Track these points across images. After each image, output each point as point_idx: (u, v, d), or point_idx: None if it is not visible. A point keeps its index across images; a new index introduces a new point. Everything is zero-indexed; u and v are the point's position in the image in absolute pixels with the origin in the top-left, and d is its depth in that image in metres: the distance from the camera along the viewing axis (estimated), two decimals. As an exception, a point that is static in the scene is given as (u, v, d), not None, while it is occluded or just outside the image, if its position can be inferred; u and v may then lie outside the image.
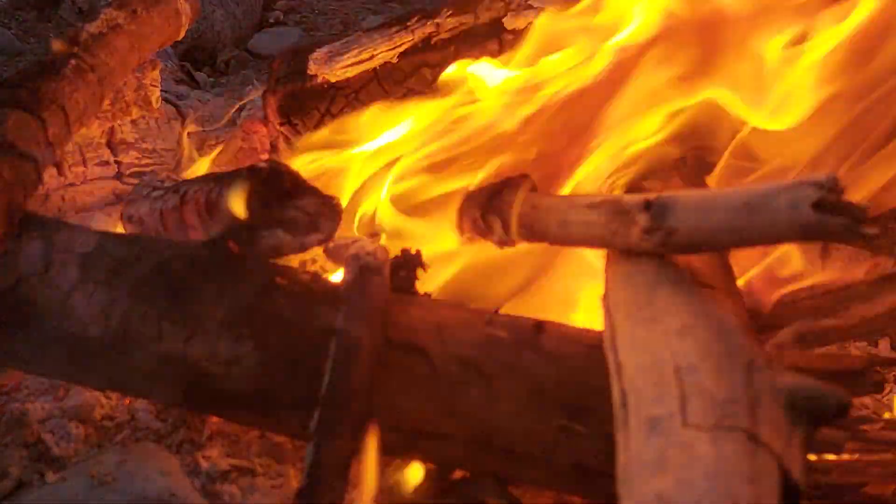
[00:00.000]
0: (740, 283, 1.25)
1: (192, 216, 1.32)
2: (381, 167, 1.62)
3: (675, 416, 0.76)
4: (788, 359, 1.05)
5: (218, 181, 1.28)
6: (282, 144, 1.94)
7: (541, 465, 1.10)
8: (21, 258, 1.12)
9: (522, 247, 1.28)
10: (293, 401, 1.10)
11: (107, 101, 1.68)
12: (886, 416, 1.38)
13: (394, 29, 1.94)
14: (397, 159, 1.60)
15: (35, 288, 1.11)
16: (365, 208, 1.60)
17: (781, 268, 1.25)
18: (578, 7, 1.65)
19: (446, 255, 1.46)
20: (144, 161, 2.07)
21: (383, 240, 1.54)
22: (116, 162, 2.05)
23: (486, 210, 1.31)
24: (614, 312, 1.00)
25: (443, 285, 1.45)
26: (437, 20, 1.90)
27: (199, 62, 3.02)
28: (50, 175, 1.87)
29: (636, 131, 1.48)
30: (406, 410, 1.10)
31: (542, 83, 1.57)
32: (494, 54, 1.84)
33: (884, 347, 1.68)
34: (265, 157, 1.97)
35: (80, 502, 1.19)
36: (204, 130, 2.15)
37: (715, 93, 1.40)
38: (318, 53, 1.95)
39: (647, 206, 0.95)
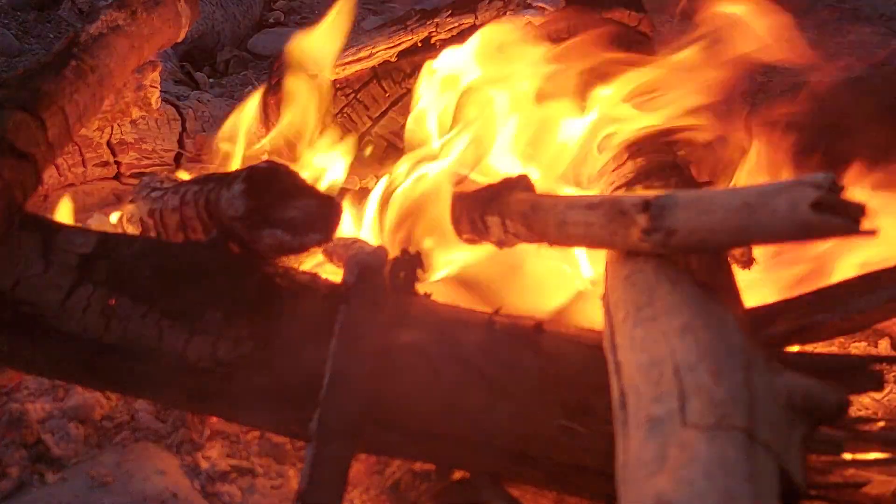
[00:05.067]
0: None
1: (191, 217, 1.32)
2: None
3: (675, 415, 0.76)
4: (787, 358, 1.05)
5: (218, 182, 1.28)
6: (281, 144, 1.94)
7: (541, 465, 1.10)
8: (21, 259, 1.12)
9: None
10: (293, 401, 1.10)
11: (107, 102, 1.68)
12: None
13: (393, 28, 1.95)
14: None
15: (35, 288, 1.11)
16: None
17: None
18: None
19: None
20: (144, 161, 2.08)
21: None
22: (116, 162, 2.06)
23: (485, 210, 1.31)
24: (614, 312, 1.00)
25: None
26: (436, 20, 1.91)
27: (199, 63, 3.02)
28: (50, 175, 1.87)
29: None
30: (406, 411, 1.10)
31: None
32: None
33: (884, 347, 1.68)
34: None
35: (80, 503, 1.19)
36: (204, 131, 2.15)
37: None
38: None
39: (646, 206, 0.95)
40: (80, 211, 1.95)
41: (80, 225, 1.49)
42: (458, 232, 1.42)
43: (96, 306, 1.10)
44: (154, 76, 1.91)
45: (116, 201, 2.01)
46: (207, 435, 1.34)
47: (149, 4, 1.71)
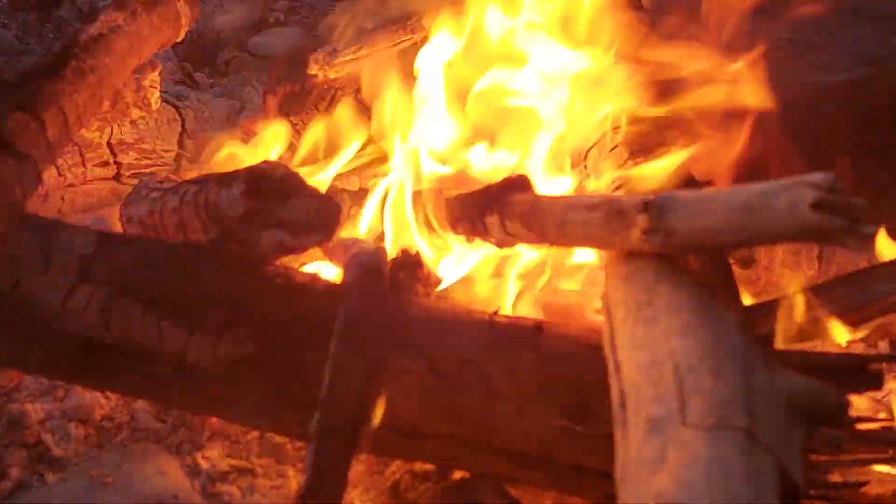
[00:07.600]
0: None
1: (191, 217, 1.32)
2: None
3: (675, 415, 0.76)
4: (787, 358, 1.05)
5: (217, 182, 1.28)
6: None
7: (541, 466, 1.10)
8: (21, 259, 1.12)
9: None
10: (293, 401, 1.10)
11: (106, 102, 1.68)
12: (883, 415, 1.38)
13: (393, 28, 1.95)
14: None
15: (35, 288, 1.11)
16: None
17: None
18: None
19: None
20: (144, 162, 2.07)
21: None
22: (116, 162, 2.05)
23: (484, 211, 1.31)
24: (614, 312, 1.00)
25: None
26: (436, 20, 1.90)
27: (199, 63, 3.02)
28: (50, 175, 1.87)
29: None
30: (406, 411, 1.10)
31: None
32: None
33: (883, 347, 1.67)
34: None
35: (80, 503, 1.19)
36: (203, 131, 2.15)
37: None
38: (319, 53, 1.95)
39: (646, 206, 0.95)
40: (80, 211, 1.95)
41: (80, 225, 1.49)
42: (456, 233, 1.42)
43: (96, 306, 1.11)
44: (154, 76, 1.90)
45: (116, 201, 2.00)
46: (207, 435, 1.34)
47: (148, 4, 1.71)
